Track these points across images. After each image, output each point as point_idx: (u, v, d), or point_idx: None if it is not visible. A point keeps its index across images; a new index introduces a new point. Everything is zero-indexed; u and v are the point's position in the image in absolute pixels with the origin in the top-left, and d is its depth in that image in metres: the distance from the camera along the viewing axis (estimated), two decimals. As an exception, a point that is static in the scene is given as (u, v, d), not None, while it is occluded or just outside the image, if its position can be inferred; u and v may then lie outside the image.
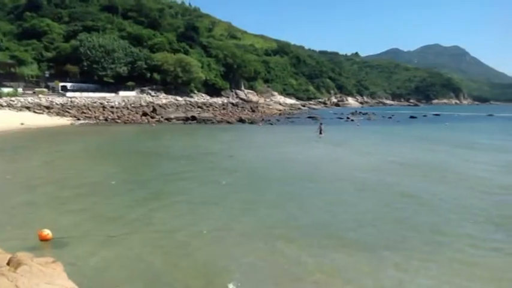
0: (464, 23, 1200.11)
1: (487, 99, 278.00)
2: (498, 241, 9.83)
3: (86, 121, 47.04)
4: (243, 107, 73.31)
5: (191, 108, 62.86)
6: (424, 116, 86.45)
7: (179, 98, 67.02)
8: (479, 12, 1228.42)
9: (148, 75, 66.62)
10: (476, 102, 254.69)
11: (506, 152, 26.51)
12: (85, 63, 62.04)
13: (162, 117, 51.95)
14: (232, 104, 75.74)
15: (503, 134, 42.08)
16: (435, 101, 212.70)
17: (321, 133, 35.79)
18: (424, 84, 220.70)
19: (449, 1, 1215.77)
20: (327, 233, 10.18)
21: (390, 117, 76.82)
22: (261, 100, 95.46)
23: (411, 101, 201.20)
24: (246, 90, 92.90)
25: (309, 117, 67.89)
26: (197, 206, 12.41)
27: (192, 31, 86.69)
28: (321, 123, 39.71)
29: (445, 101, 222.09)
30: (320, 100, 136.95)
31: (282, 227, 10.61)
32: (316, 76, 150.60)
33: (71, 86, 60.23)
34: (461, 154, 25.54)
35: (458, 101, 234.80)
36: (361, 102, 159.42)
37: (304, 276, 7.86)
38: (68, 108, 51.21)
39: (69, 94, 57.07)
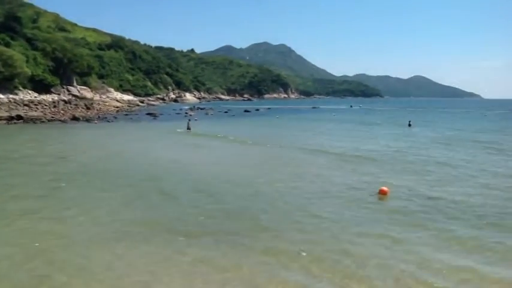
0: (290, 24, 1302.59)
1: (311, 93, 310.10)
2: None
3: None
4: (76, 105, 69.39)
5: (16, 107, 57.37)
6: (257, 110, 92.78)
7: (1, 96, 60.47)
8: (304, 13, 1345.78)
9: (-39, 69, 58.80)
10: (302, 96, 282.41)
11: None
12: None
13: (-19, 117, 46.69)
14: (64, 101, 71.12)
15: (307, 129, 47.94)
16: (267, 96, 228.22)
17: (188, 128, 40.04)
18: (256, 79, 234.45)
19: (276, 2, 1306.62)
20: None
21: (226, 112, 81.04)
22: (96, 97, 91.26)
23: (245, 96, 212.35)
24: (79, 87, 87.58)
25: (148, 113, 67.72)
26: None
27: (14, 21, 78.48)
28: (189, 120, 44.75)
29: (275, 95, 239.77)
30: (158, 96, 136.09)
31: (121, 229, 10.89)
32: (153, 72, 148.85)
33: None
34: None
35: (286, 96, 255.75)
36: (198, 98, 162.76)
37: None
38: None
39: None
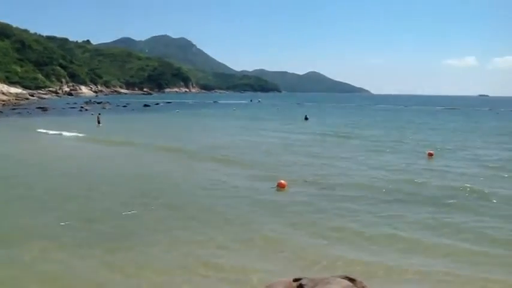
0: (191, 17, 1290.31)
1: (212, 87, 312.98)
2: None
3: None
4: (-45, 98, 64.81)
5: None
6: (157, 104, 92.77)
7: None
8: (205, 7, 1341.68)
9: None
10: (203, 91, 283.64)
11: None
12: None
13: None
14: None
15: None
16: (167, 90, 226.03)
17: (99, 123, 39.52)
18: (156, 73, 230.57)
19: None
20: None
21: (125, 106, 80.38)
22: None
23: (145, 89, 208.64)
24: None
25: (39, 107, 65.31)
26: None
27: None
28: (99, 114, 44.04)
29: (176, 89, 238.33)
30: (51, 89, 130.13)
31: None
32: (45, 63, 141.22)
33: None
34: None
35: (187, 90, 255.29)
36: (95, 91, 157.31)
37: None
38: None
39: None
